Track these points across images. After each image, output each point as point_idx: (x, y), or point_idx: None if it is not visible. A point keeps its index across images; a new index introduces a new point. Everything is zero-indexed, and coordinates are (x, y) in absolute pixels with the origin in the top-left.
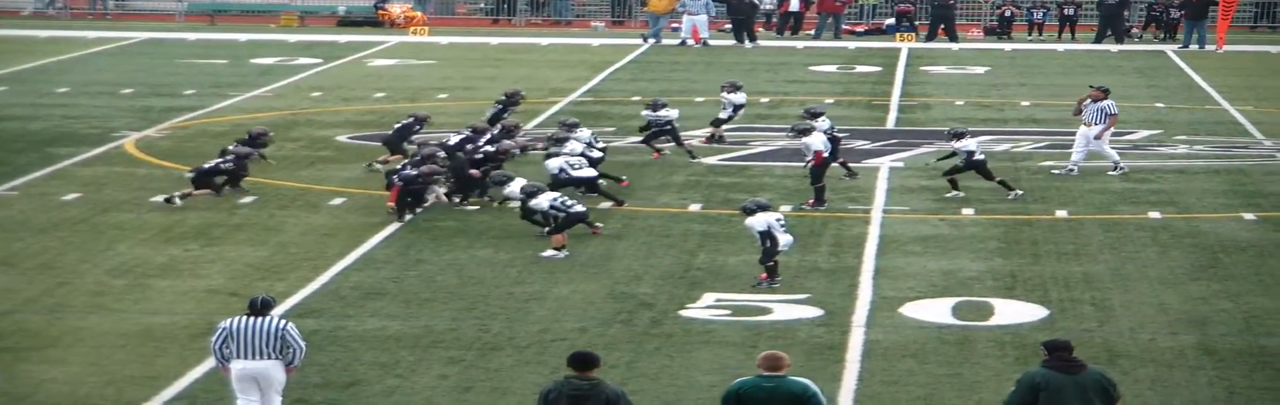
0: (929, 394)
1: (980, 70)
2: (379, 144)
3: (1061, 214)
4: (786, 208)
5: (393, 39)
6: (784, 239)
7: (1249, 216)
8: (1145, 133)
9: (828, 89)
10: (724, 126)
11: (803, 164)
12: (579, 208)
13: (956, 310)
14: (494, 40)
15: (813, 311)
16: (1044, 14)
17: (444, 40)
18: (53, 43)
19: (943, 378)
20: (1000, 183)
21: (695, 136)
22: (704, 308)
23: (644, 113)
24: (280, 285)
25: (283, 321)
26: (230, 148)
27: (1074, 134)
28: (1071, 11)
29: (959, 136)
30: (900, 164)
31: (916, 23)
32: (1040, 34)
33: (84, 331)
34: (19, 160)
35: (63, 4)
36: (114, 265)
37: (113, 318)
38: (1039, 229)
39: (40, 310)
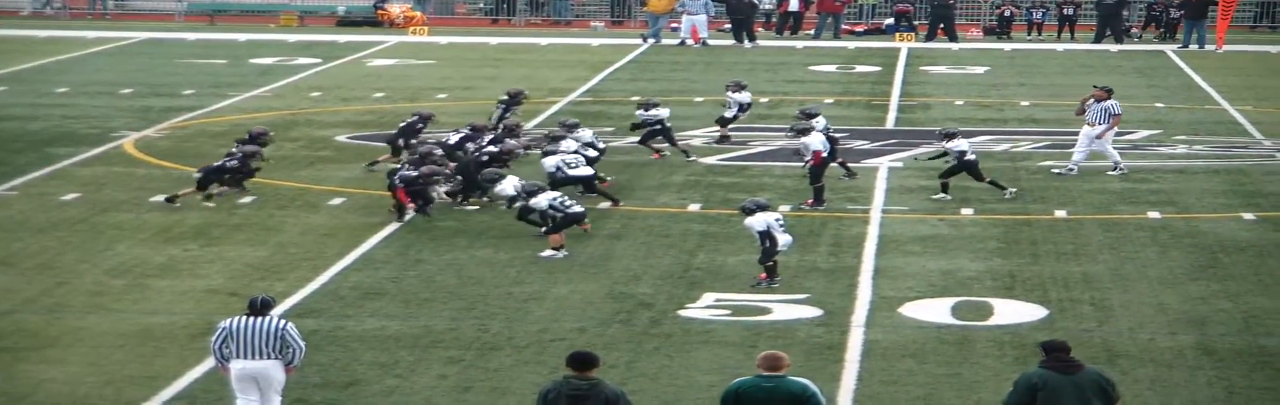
0: (928, 394)
1: (980, 70)
2: (381, 144)
3: (1061, 214)
4: (786, 208)
5: (392, 39)
6: (783, 239)
7: (1248, 216)
8: (1145, 133)
9: (827, 89)
10: (729, 126)
11: (801, 164)
12: (577, 208)
13: (956, 310)
14: (493, 40)
15: (812, 311)
16: (1043, 14)
17: (443, 40)
18: (52, 43)
19: (942, 378)
20: (991, 183)
21: (697, 137)
22: (703, 308)
23: (637, 112)
24: (279, 285)
25: (282, 321)
26: (235, 149)
27: (1074, 133)
28: (1071, 11)
29: (950, 137)
30: (899, 164)
31: (916, 23)
32: (1039, 34)
33: (83, 331)
34: (18, 160)
35: (62, 4)
36: (113, 265)
37: (112, 318)
38: (1038, 229)
39: (39, 310)
